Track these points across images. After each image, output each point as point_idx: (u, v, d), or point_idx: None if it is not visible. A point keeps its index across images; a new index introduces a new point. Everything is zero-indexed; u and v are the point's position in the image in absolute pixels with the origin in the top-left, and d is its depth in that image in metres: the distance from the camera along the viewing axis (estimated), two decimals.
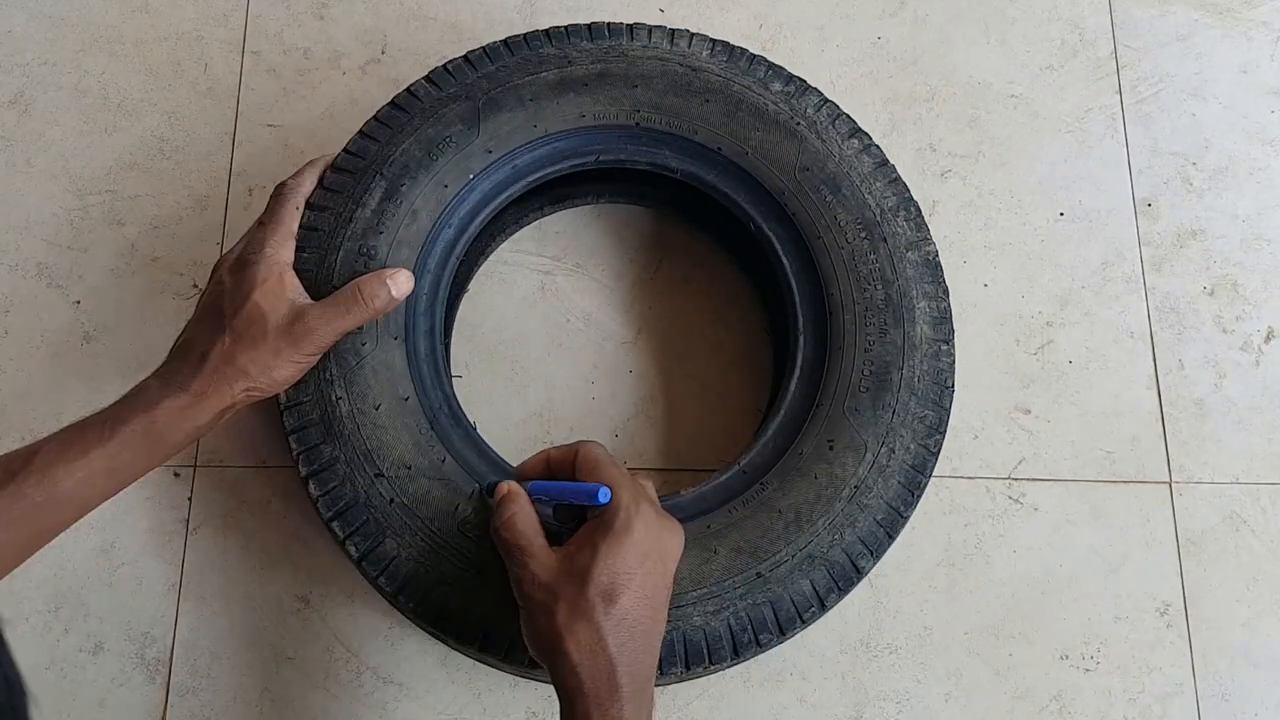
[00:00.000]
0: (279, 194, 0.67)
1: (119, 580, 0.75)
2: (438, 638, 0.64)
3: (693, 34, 0.76)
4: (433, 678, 0.74)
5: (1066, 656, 0.77)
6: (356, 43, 0.89)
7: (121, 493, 0.76)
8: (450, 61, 0.73)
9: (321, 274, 0.66)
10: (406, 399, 0.66)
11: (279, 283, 0.63)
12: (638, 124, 0.72)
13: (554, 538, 0.57)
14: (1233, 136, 0.90)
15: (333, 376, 0.65)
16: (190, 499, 0.77)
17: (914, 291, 0.70)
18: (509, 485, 0.59)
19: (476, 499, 0.64)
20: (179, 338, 0.63)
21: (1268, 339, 0.85)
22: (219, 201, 0.84)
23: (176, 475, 0.77)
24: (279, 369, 0.61)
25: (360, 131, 0.71)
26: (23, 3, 0.88)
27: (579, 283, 0.83)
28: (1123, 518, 0.80)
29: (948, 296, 0.71)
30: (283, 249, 0.64)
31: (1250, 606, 0.78)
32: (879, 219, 0.71)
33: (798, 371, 0.69)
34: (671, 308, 0.83)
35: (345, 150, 0.70)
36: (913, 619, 0.77)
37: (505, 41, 0.74)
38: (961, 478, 0.80)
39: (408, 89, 0.72)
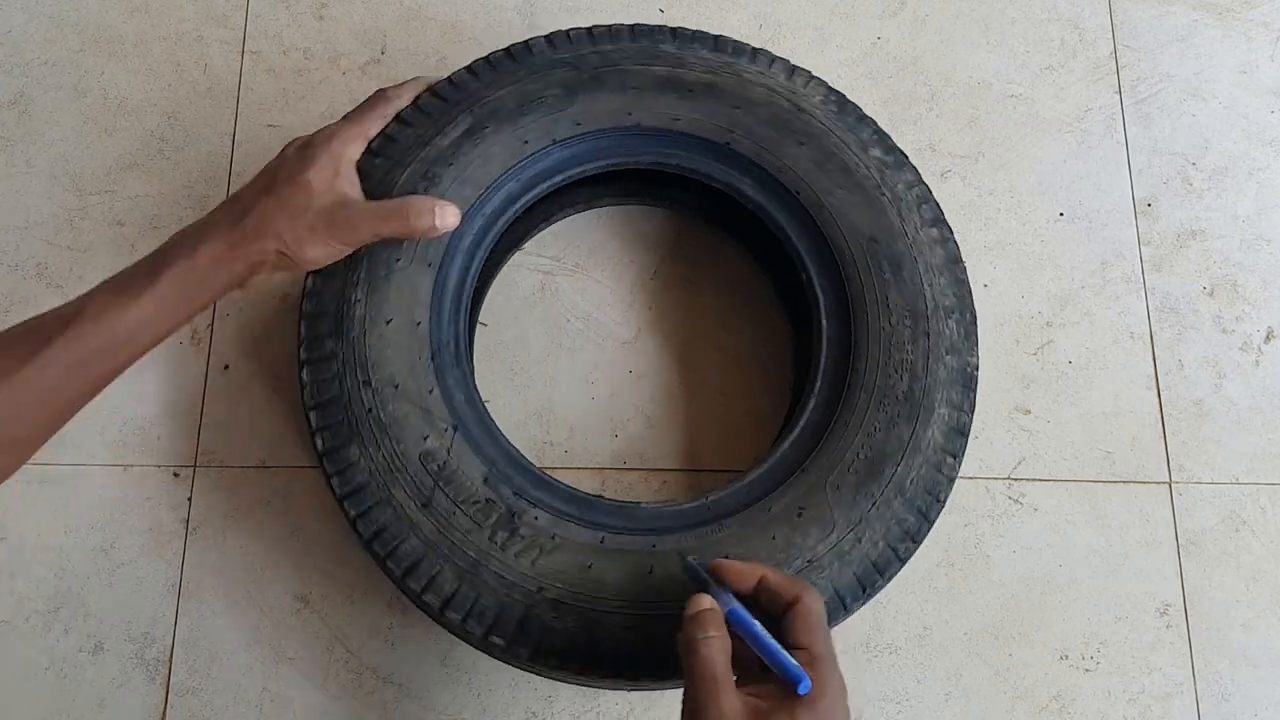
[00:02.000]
0: (374, 97, 0.70)
1: (119, 580, 0.75)
2: (372, 555, 0.64)
3: (811, 75, 0.75)
4: (433, 678, 0.74)
5: (1066, 656, 0.77)
6: (356, 43, 0.89)
7: (122, 494, 0.76)
8: (574, 30, 0.74)
9: (384, 184, 0.68)
10: (418, 324, 0.67)
11: (335, 171, 0.65)
12: (728, 144, 0.72)
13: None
14: (1233, 136, 0.90)
15: (359, 279, 0.67)
16: (190, 499, 0.77)
17: (938, 395, 0.68)
18: (710, 602, 0.54)
19: (444, 438, 0.63)
20: (230, 195, 0.66)
21: (1268, 339, 0.85)
22: (219, 201, 0.84)
23: (176, 475, 0.77)
24: (311, 247, 0.63)
25: (468, 67, 0.73)
26: (23, 3, 0.88)
27: (579, 283, 0.83)
28: (1122, 518, 0.80)
29: (972, 413, 0.69)
30: (351, 144, 0.67)
31: (1250, 606, 0.78)
32: (929, 313, 0.69)
33: (797, 431, 0.68)
34: (671, 308, 0.83)
35: (448, 79, 0.72)
36: (913, 619, 0.77)
37: (632, 27, 0.75)
38: (961, 478, 0.80)
39: (525, 42, 0.74)
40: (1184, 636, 0.78)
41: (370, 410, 0.64)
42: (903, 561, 0.65)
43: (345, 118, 0.69)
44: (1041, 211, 0.87)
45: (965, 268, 0.72)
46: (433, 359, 0.66)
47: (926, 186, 0.73)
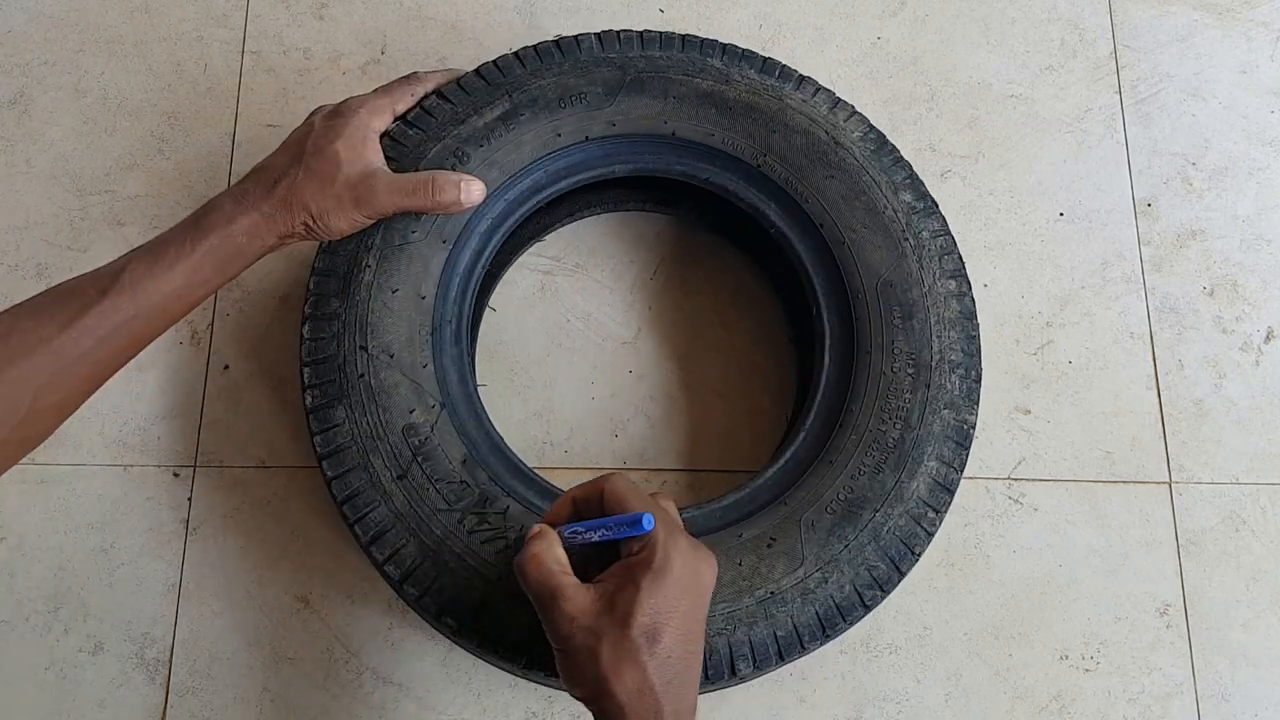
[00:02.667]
0: (407, 77, 0.72)
1: (119, 580, 0.75)
2: (343, 517, 0.64)
3: (854, 111, 0.75)
4: (433, 678, 0.74)
5: (1066, 656, 0.77)
6: (356, 43, 0.89)
7: (122, 494, 0.76)
8: (624, 32, 0.75)
9: (413, 157, 0.69)
10: (423, 298, 0.67)
11: (362, 142, 0.66)
12: (758, 167, 0.72)
13: (581, 576, 0.54)
14: (1233, 136, 0.90)
15: (373, 245, 0.67)
16: (190, 499, 0.77)
17: (929, 449, 0.67)
18: (539, 527, 0.56)
19: (430, 414, 0.64)
20: (259, 163, 0.66)
21: (1268, 339, 0.85)
22: None
23: (176, 475, 0.77)
24: (336, 218, 0.65)
25: (514, 52, 0.73)
26: (23, 3, 0.88)
27: (579, 283, 0.83)
28: (1123, 518, 0.80)
29: (961, 471, 0.68)
30: (378, 115, 0.68)
31: (1250, 606, 0.78)
32: (933, 365, 0.68)
33: (781, 461, 0.68)
34: (671, 308, 0.83)
35: (493, 62, 0.73)
36: (913, 619, 0.77)
37: (684, 37, 0.75)
38: (962, 477, 0.80)
39: (575, 37, 0.74)
40: (1184, 636, 0.78)
41: (362, 375, 0.65)
42: (868, 608, 0.65)
43: (375, 91, 0.70)
44: (1041, 211, 0.87)
45: (979, 325, 0.71)
46: (432, 334, 0.67)
47: (952, 238, 0.72)
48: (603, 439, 0.79)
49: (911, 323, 0.69)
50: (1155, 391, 0.83)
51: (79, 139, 0.85)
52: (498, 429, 0.68)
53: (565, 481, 0.77)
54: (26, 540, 0.75)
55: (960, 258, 0.72)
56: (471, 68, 0.73)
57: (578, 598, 0.52)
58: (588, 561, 0.55)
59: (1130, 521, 0.80)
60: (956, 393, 0.69)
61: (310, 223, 0.64)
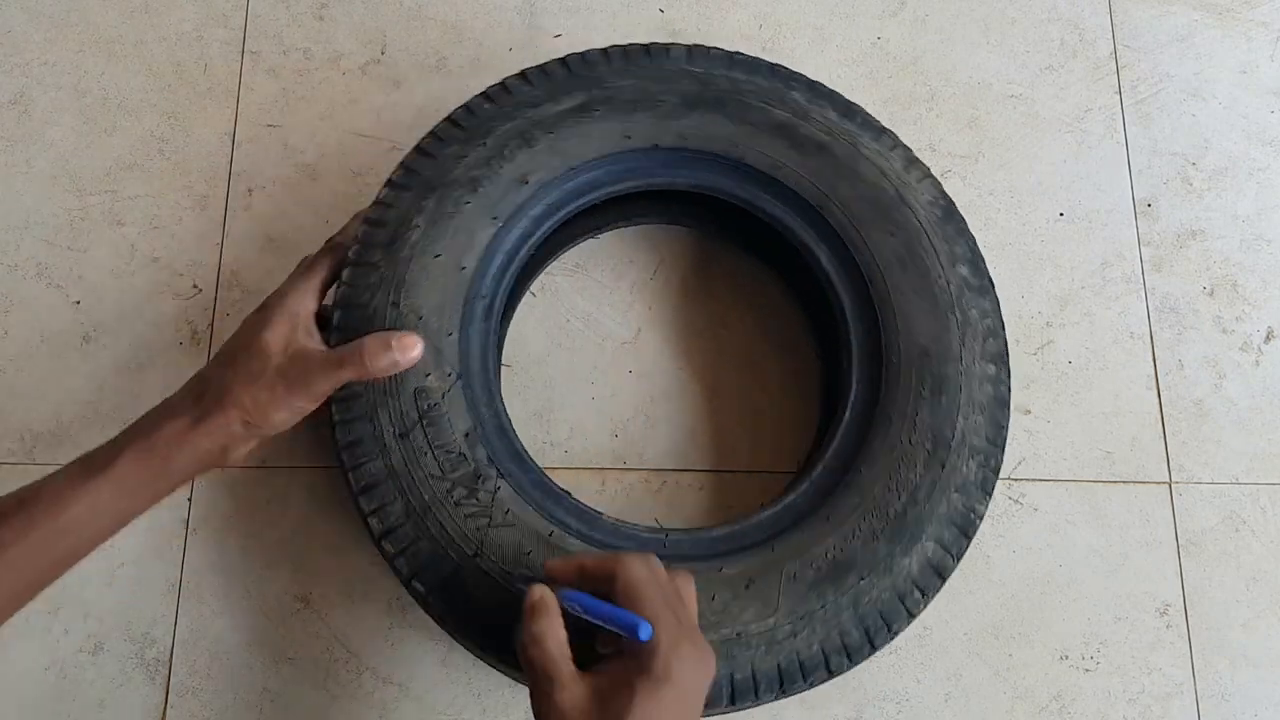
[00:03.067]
0: (324, 248, 0.69)
1: (119, 580, 0.75)
2: (339, 462, 0.64)
3: (929, 173, 0.73)
4: (433, 678, 0.74)
5: (1066, 656, 0.77)
6: (356, 43, 0.89)
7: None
8: (715, 49, 0.74)
9: (483, 131, 0.69)
10: (463, 269, 0.67)
11: (290, 327, 0.63)
12: (820, 209, 0.71)
13: (580, 651, 0.54)
14: (1233, 136, 0.90)
15: (427, 208, 0.68)
16: (190, 499, 0.77)
17: (929, 529, 0.65)
18: (541, 592, 0.54)
19: (444, 382, 0.64)
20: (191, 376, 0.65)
21: (1268, 339, 0.85)
22: (219, 201, 0.84)
23: None
24: (274, 410, 0.61)
25: (603, 50, 0.73)
26: (23, 3, 0.88)
27: (579, 283, 0.83)
28: (1122, 518, 0.80)
29: (958, 560, 0.66)
30: (305, 298, 0.65)
31: (1250, 606, 0.78)
32: (953, 446, 0.67)
33: (779, 506, 0.67)
34: (671, 308, 0.83)
35: (580, 54, 0.73)
36: None
37: (772, 66, 0.74)
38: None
39: (665, 45, 0.74)
40: (1184, 636, 0.78)
41: (389, 328, 0.65)
42: (832, 673, 0.63)
43: (295, 273, 0.68)
44: (1041, 211, 0.87)
45: (1010, 416, 0.69)
46: (464, 305, 0.67)
47: (1001, 321, 0.71)
48: (603, 439, 0.79)
49: (940, 398, 0.67)
50: (1155, 391, 0.83)
51: (79, 139, 0.85)
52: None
53: (565, 481, 0.77)
54: None
55: (1006, 344, 0.70)
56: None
57: (573, 689, 0.51)
58: (583, 632, 0.54)
59: (1130, 521, 0.80)
60: (970, 479, 0.67)
61: (248, 419, 0.60)
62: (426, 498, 0.63)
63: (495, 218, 0.69)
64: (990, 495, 0.67)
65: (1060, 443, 0.81)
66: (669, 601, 0.53)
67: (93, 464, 0.58)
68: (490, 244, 0.68)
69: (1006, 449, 0.81)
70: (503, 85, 0.72)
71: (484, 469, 0.64)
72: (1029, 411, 0.82)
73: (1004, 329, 0.71)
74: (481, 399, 0.66)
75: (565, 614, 0.54)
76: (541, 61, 0.73)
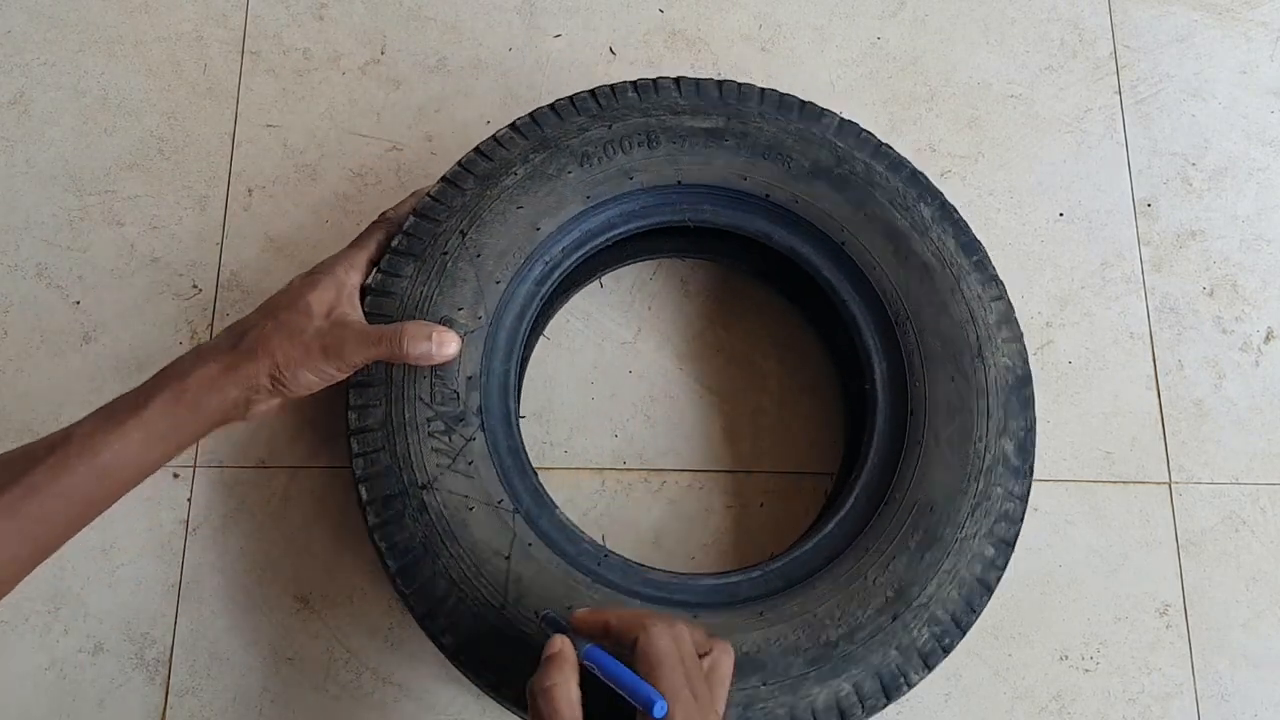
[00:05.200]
0: (376, 221, 0.71)
1: (119, 580, 0.75)
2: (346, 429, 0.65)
3: (1019, 339, 0.71)
4: (433, 678, 0.74)
5: (1066, 656, 0.77)
6: (356, 43, 0.89)
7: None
8: (786, 96, 0.74)
9: (574, 131, 0.70)
10: (538, 229, 0.68)
11: (336, 294, 0.64)
12: (894, 322, 0.70)
13: (591, 706, 0.53)
14: (1233, 137, 0.90)
15: (530, 160, 0.69)
16: (190, 499, 0.77)
17: (850, 672, 0.62)
18: (561, 644, 0.53)
19: (474, 322, 0.65)
20: (232, 322, 0.65)
21: (1268, 339, 0.85)
22: (219, 201, 0.84)
23: (176, 476, 0.77)
24: (303, 369, 0.62)
25: (676, 80, 0.73)
26: (23, 3, 0.88)
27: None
28: (1123, 518, 0.80)
29: (946, 654, 0.64)
30: (355, 270, 0.67)
31: (1250, 606, 0.78)
32: (913, 606, 0.64)
33: (756, 572, 0.66)
34: (671, 308, 0.83)
35: (676, 79, 0.73)
36: None
37: (885, 149, 0.74)
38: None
39: (762, 91, 0.73)
40: (1184, 636, 0.78)
41: (445, 253, 0.67)
42: None
43: (349, 246, 0.69)
44: (1041, 211, 0.87)
45: (1019, 527, 0.67)
46: (524, 261, 0.68)
47: (1022, 510, 0.67)
48: (603, 439, 0.79)
49: (924, 554, 0.65)
50: (1155, 391, 0.83)
51: (79, 139, 0.85)
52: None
53: (565, 481, 0.77)
54: None
55: (1017, 533, 0.67)
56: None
57: None
58: (596, 685, 0.53)
59: (1130, 521, 0.80)
60: (917, 645, 0.64)
61: (276, 374, 0.61)
62: (407, 416, 0.64)
63: (589, 197, 0.69)
64: (929, 671, 0.64)
65: (1060, 443, 0.81)
66: (690, 678, 0.51)
67: (124, 408, 0.59)
68: (573, 218, 0.69)
69: None
70: (654, 83, 0.72)
71: (470, 415, 0.65)
72: None
73: (1022, 519, 0.67)
74: (499, 352, 0.67)
75: (582, 669, 0.53)
76: (607, 83, 0.74)
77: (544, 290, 0.69)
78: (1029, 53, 0.92)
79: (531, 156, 0.69)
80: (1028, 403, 0.69)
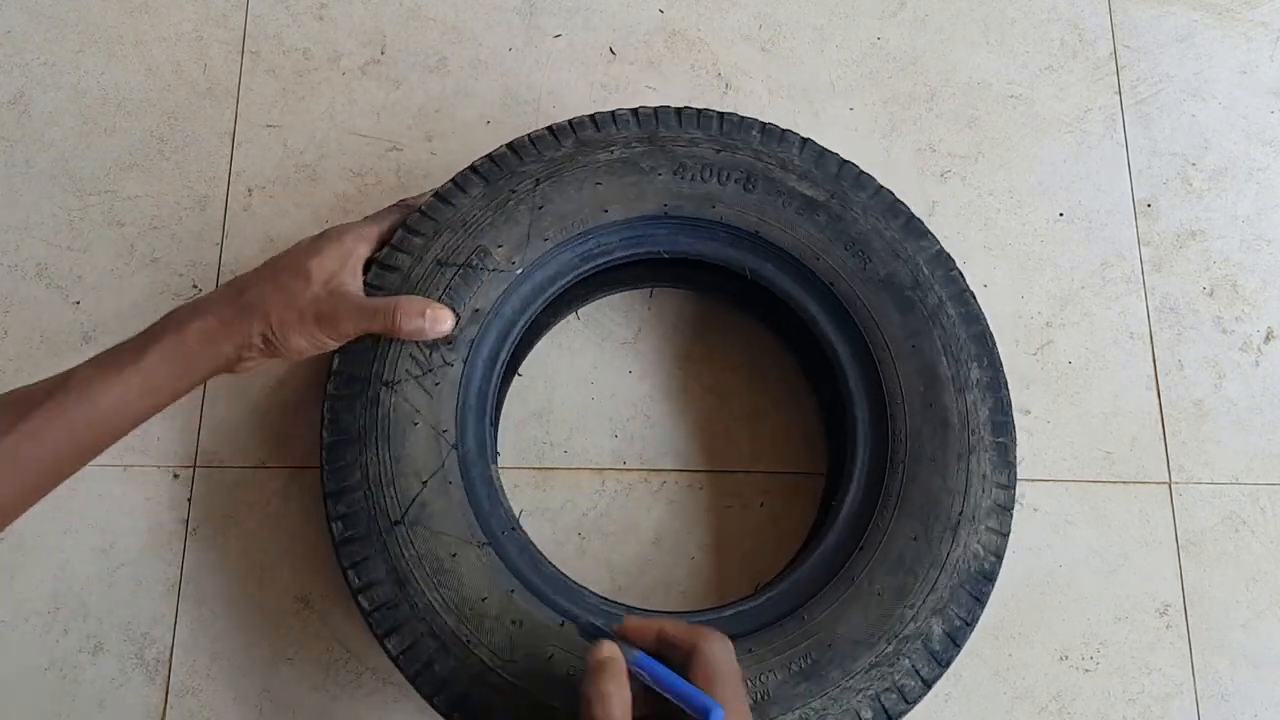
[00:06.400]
0: (395, 204, 0.72)
1: (119, 580, 0.75)
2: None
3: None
4: None
5: (1066, 656, 0.77)
6: (356, 43, 0.89)
7: (122, 494, 0.76)
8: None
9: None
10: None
11: (339, 263, 0.64)
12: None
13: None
14: (1233, 137, 0.90)
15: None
16: (190, 499, 0.77)
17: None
18: (610, 651, 0.53)
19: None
20: (234, 277, 0.66)
21: (1268, 339, 0.85)
22: (219, 201, 0.84)
23: (176, 476, 0.77)
24: (296, 333, 0.62)
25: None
26: (23, 3, 0.88)
27: None
28: (1122, 518, 0.80)
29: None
30: (363, 242, 0.67)
31: (1250, 606, 0.78)
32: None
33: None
34: (671, 308, 0.83)
35: (611, 113, 0.73)
36: None
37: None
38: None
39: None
40: (1184, 636, 0.78)
41: (515, 193, 0.68)
42: None
43: (364, 219, 0.69)
44: (1041, 212, 0.87)
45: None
46: (580, 233, 0.68)
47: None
48: (603, 439, 0.79)
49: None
50: (1155, 391, 0.83)
51: (79, 139, 0.85)
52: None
53: (565, 481, 0.77)
54: (26, 540, 0.75)
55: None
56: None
57: None
58: (645, 690, 0.53)
59: (1130, 522, 0.80)
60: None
61: (268, 334, 0.62)
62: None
63: (666, 205, 0.70)
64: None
65: (1060, 443, 0.81)
66: (740, 691, 0.52)
67: (122, 356, 0.59)
68: (641, 217, 0.69)
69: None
70: (781, 132, 0.72)
71: (447, 355, 0.66)
72: (1029, 412, 0.82)
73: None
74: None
75: (631, 677, 0.52)
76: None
77: (584, 269, 0.69)
78: (1029, 53, 0.92)
79: (634, 145, 0.70)
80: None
